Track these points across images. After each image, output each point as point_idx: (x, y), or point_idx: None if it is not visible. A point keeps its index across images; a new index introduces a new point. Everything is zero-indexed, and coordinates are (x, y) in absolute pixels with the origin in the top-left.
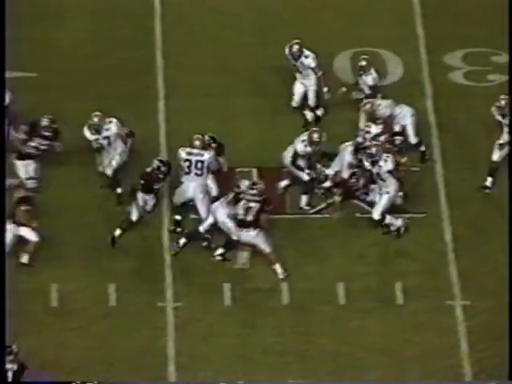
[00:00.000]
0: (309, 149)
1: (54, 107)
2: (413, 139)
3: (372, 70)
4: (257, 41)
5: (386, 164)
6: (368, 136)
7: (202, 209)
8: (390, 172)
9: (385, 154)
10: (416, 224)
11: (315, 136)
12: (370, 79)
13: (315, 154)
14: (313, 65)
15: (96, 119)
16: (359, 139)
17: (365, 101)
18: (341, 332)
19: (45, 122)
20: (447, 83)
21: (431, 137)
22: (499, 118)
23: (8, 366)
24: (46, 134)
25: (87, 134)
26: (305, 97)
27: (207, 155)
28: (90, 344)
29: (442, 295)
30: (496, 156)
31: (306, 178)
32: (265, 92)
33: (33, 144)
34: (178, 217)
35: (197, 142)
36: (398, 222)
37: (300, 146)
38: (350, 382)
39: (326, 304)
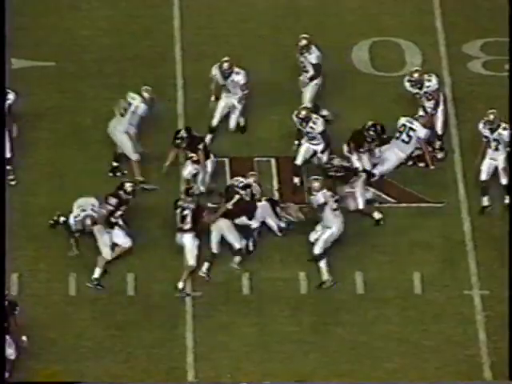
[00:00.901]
0: (295, 121)
1: (73, 96)
2: (440, 129)
3: (314, 48)
4: (276, 31)
5: (318, 197)
6: (412, 133)
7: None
8: (322, 206)
9: (324, 190)
10: (434, 214)
11: (302, 113)
12: (313, 57)
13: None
14: (243, 81)
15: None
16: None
17: (415, 69)
18: (359, 321)
19: (129, 187)
20: (466, 73)
21: (450, 126)
22: (487, 132)
23: None
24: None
25: None
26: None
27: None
28: (108, 334)
29: (460, 285)
30: (484, 175)
31: (298, 162)
32: (284, 82)
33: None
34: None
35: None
36: (326, 276)
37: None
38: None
39: (343, 293)
